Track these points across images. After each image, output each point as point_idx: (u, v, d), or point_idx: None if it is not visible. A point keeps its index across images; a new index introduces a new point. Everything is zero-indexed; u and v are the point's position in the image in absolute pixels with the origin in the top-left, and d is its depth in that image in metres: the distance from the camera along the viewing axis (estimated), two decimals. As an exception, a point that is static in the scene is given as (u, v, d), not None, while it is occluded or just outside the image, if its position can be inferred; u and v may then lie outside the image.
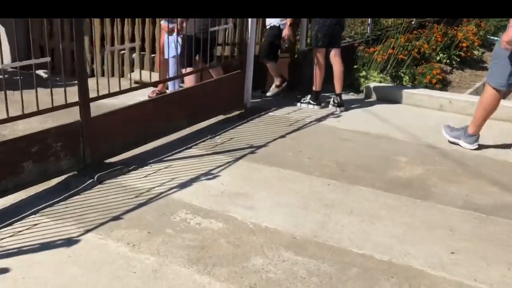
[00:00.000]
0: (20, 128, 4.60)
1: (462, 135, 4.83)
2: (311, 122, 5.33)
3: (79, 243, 3.06)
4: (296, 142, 4.79)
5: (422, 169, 4.35)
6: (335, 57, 5.70)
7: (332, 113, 5.62)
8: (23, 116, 3.46)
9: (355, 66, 6.77)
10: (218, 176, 4.01)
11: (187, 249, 3.06)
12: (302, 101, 5.84)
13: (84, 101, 3.75)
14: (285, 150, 4.60)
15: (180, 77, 5.40)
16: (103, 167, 3.93)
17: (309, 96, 5.81)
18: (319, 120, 5.40)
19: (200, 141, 4.68)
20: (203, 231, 3.26)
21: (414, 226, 3.46)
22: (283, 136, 4.90)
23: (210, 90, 5.02)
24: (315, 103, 5.78)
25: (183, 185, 3.81)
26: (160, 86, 5.74)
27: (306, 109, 5.74)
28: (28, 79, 3.59)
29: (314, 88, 5.76)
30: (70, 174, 3.80)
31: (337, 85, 5.73)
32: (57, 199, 3.51)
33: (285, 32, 5.72)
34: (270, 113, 5.53)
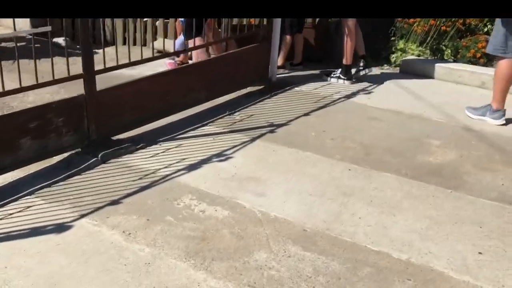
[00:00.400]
0: (29, 100, 4.43)
1: (487, 112, 4.63)
2: (339, 98, 4.98)
3: (71, 229, 2.87)
4: (320, 121, 4.47)
5: (455, 154, 3.99)
6: (356, 28, 5.38)
7: (363, 89, 5.25)
8: (21, 90, 3.26)
9: (392, 38, 6.33)
10: (231, 157, 3.75)
11: (186, 240, 2.83)
12: (332, 75, 5.49)
13: (88, 74, 3.52)
14: (308, 129, 4.29)
15: (200, 47, 5.13)
16: (110, 144, 3.72)
17: (339, 70, 5.45)
18: (348, 96, 5.04)
19: (217, 117, 4.41)
20: (206, 220, 3.01)
21: (439, 220, 3.13)
22: (307, 114, 4.59)
23: (232, 62, 4.72)
24: (345, 78, 5.42)
25: (192, 167, 3.57)
26: (182, 56, 5.47)
27: (335, 84, 5.39)
28: (47, 47, 3.40)
29: (344, 62, 5.40)
30: (73, 151, 3.60)
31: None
32: (56, 178, 3.32)
33: None
34: (296, 88, 5.21)
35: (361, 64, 5.52)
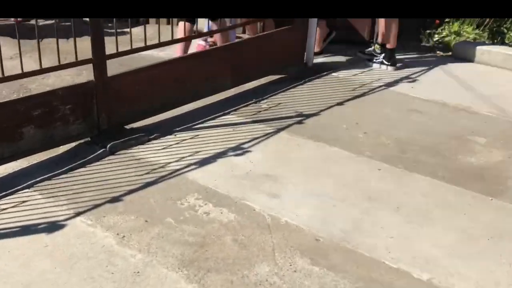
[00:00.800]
0: (49, 82, 4.27)
1: None
2: (379, 86, 4.58)
3: (63, 229, 2.67)
4: (355, 112, 4.11)
5: (502, 154, 3.56)
6: None
7: (407, 77, 4.82)
8: (23, 75, 3.07)
9: (446, 20, 5.82)
10: (248, 151, 3.46)
11: (183, 247, 2.58)
12: (374, 60, 5.08)
13: (98, 59, 3.30)
14: (339, 121, 3.94)
15: (236, 26, 4.84)
16: (122, 133, 3.50)
17: (382, 55, 5.04)
18: (389, 84, 4.63)
19: (242, 105, 4.12)
20: (208, 224, 2.76)
21: (474, 233, 2.76)
22: (341, 104, 4.23)
23: (263, 45, 4.40)
24: (389, 63, 5.01)
25: (204, 162, 3.31)
26: (215, 36, 5.19)
27: (378, 70, 4.98)
28: (78, 25, 3.28)
29: (388, 46, 4.98)
30: (82, 141, 3.41)
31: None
32: (58, 171, 3.13)
33: None
34: (333, 74, 4.83)
35: (377, 51, 5.08)
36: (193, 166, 3.26)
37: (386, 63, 5.00)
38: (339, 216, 2.86)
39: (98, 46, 3.27)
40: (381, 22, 4.91)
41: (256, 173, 3.22)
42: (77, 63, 3.26)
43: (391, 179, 3.24)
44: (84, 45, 3.32)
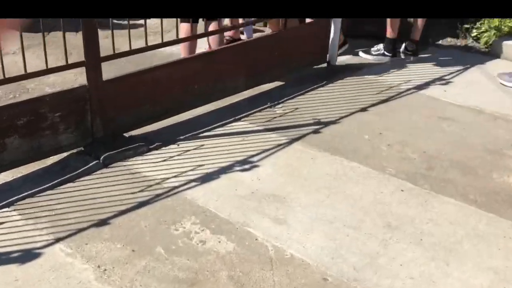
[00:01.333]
0: (49, 81, 3.98)
1: None
2: (408, 89, 4.17)
3: (38, 259, 2.38)
4: (379, 119, 3.72)
5: (546, 174, 3.14)
6: None
7: (439, 78, 4.38)
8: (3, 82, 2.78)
9: (485, 13, 5.34)
10: (257, 166, 3.12)
11: (171, 285, 2.27)
12: (372, 52, 4.68)
13: (91, 61, 2.99)
14: (361, 130, 3.56)
15: (256, 22, 4.47)
16: (120, 142, 3.20)
17: (382, 45, 4.63)
18: (419, 87, 4.21)
19: (255, 110, 3.76)
20: (203, 256, 2.43)
21: (509, 274, 2.38)
22: (364, 109, 3.84)
23: (281, 42, 4.03)
24: (390, 55, 4.61)
25: (206, 178, 2.99)
26: (232, 31, 4.83)
27: (407, 70, 4.54)
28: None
29: (388, 35, 4.59)
30: (75, 150, 3.11)
31: (418, 30, 4.69)
32: (43, 186, 2.84)
33: None
34: (358, 74, 4.43)
35: (406, 48, 4.71)
36: (194, 183, 2.93)
37: (388, 54, 4.62)
38: (352, 249, 2.50)
39: (91, 47, 2.96)
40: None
41: (262, 192, 2.88)
42: (67, 67, 2.95)
43: (415, 202, 2.86)
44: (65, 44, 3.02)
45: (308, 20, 4.41)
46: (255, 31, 5.19)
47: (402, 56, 4.73)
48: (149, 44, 3.28)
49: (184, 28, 3.63)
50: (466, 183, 3.03)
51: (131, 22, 3.17)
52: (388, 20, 4.57)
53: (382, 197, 2.89)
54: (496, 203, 2.86)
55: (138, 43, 3.36)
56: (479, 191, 2.97)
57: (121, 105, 3.19)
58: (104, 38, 3.21)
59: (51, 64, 2.93)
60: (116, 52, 3.12)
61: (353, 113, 3.78)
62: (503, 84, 4.27)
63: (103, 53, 3.04)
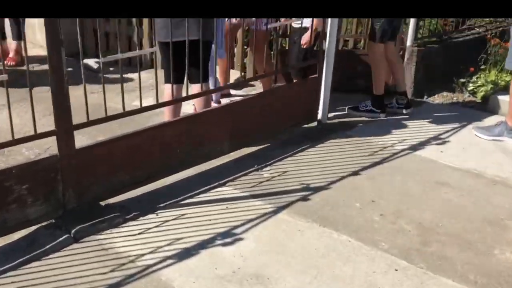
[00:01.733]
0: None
1: (504, 131, 4.17)
2: (402, 150, 3.98)
3: None
4: (371, 184, 3.52)
5: (550, 250, 2.93)
6: (394, 51, 4.57)
7: (435, 137, 4.20)
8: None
9: (483, 67, 5.20)
10: (240, 239, 2.90)
11: None
12: (360, 108, 4.56)
13: (62, 130, 2.80)
14: (353, 197, 3.36)
15: (254, 79, 4.31)
16: (96, 211, 2.99)
17: (369, 103, 4.54)
18: (414, 147, 4.03)
19: (240, 173, 3.56)
20: None
21: None
22: (356, 173, 3.64)
23: (269, 101, 3.87)
24: (379, 111, 4.49)
25: (185, 254, 2.76)
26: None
27: (400, 130, 4.35)
28: (77, 71, 2.83)
29: (375, 92, 4.50)
30: (45, 223, 2.90)
31: (402, 82, 4.63)
32: (5, 266, 2.61)
33: (306, 38, 4.14)
34: (350, 133, 4.24)
35: (397, 102, 4.63)
36: (171, 261, 2.71)
37: (376, 110, 4.51)
38: None
39: (62, 115, 2.77)
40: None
41: (244, 271, 2.66)
42: (36, 137, 2.76)
43: (410, 284, 2.63)
44: (80, 93, 2.85)
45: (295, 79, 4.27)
46: (247, 85, 5.05)
47: (398, 111, 4.58)
48: (133, 103, 3.10)
49: (167, 89, 3.45)
50: (465, 261, 2.81)
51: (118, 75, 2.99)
52: (374, 76, 4.45)
53: (374, 278, 2.67)
54: (499, 286, 2.64)
55: (130, 97, 3.16)
56: (480, 270, 2.75)
57: (96, 173, 2.99)
58: (90, 93, 3.04)
59: (29, 124, 2.74)
60: (93, 119, 2.92)
61: (344, 177, 3.58)
62: (477, 136, 4.25)
63: (90, 109, 2.87)
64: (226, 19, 4.37)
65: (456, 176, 3.67)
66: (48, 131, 2.79)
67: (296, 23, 4.18)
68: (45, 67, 2.74)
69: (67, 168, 2.85)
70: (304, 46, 4.14)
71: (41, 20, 2.67)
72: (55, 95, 2.72)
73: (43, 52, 2.91)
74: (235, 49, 5.26)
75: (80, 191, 2.94)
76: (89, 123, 2.91)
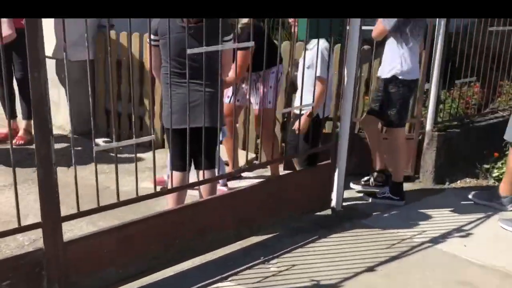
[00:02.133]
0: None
1: None
2: (422, 243, 3.68)
3: None
4: (387, 284, 3.22)
5: None
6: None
7: (458, 229, 3.90)
8: None
9: (507, 152, 4.93)
10: None
11: None
12: (378, 195, 4.30)
13: (49, 223, 2.60)
14: (366, 298, 3.06)
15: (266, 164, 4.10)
16: (83, 310, 2.75)
17: (387, 189, 4.28)
18: (435, 240, 3.73)
19: (245, 266, 3.30)
20: None
21: None
22: (371, 269, 3.35)
23: (278, 188, 3.66)
24: (398, 198, 4.24)
25: None
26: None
27: (424, 221, 4.05)
28: (86, 150, 2.68)
29: (394, 179, 4.27)
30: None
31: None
32: None
33: (301, 124, 3.80)
34: (366, 222, 3.97)
35: (372, 179, 4.44)
36: None
37: (395, 197, 4.25)
38: None
39: (49, 207, 2.58)
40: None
41: None
42: (21, 230, 2.57)
43: None
44: (86, 173, 2.69)
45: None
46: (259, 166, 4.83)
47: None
48: (141, 185, 2.91)
49: (175, 177, 3.26)
50: None
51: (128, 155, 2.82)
52: (395, 162, 4.24)
53: None
54: None
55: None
56: None
57: (85, 267, 2.77)
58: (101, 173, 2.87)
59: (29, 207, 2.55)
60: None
61: (358, 273, 3.30)
62: (503, 228, 3.93)
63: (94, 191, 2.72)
64: (229, 100, 4.21)
65: (480, 274, 3.35)
66: (33, 223, 2.61)
67: (296, 110, 3.90)
68: (55, 146, 2.59)
69: (53, 263, 2.64)
70: (298, 133, 3.80)
71: (52, 99, 2.57)
72: (41, 187, 2.54)
73: (55, 131, 2.78)
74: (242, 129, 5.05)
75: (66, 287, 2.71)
76: (80, 214, 2.72)
